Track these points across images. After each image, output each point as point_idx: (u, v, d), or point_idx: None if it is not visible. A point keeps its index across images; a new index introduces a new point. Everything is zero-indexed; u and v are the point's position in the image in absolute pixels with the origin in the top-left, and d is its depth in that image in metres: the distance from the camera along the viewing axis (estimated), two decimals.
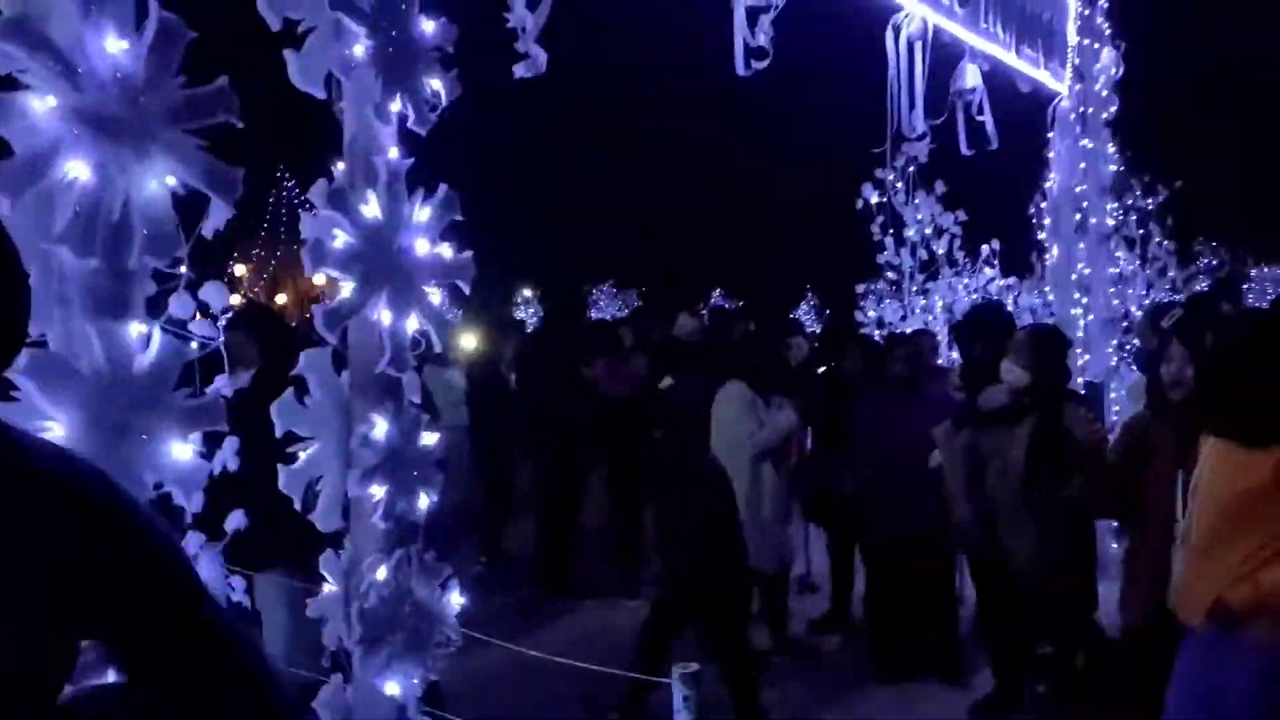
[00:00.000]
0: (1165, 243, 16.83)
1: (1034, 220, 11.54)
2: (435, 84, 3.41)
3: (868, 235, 13.39)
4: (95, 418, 2.17)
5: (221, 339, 2.71)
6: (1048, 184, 10.89)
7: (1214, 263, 21.10)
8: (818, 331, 17.87)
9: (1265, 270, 24.34)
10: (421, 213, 3.33)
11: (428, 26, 3.33)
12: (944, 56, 9.15)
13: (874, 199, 13.29)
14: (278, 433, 3.01)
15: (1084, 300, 10.87)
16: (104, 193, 2.18)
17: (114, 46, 2.22)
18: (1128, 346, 11.62)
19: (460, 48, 3.52)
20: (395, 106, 3.25)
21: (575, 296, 11.98)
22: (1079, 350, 9.81)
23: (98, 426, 2.16)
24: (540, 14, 3.93)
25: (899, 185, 13.23)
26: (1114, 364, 11.15)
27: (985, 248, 12.48)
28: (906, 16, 7.56)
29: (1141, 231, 16.32)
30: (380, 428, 3.18)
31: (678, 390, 8.64)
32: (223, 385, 2.69)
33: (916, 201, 13.29)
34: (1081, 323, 10.78)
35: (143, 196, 2.27)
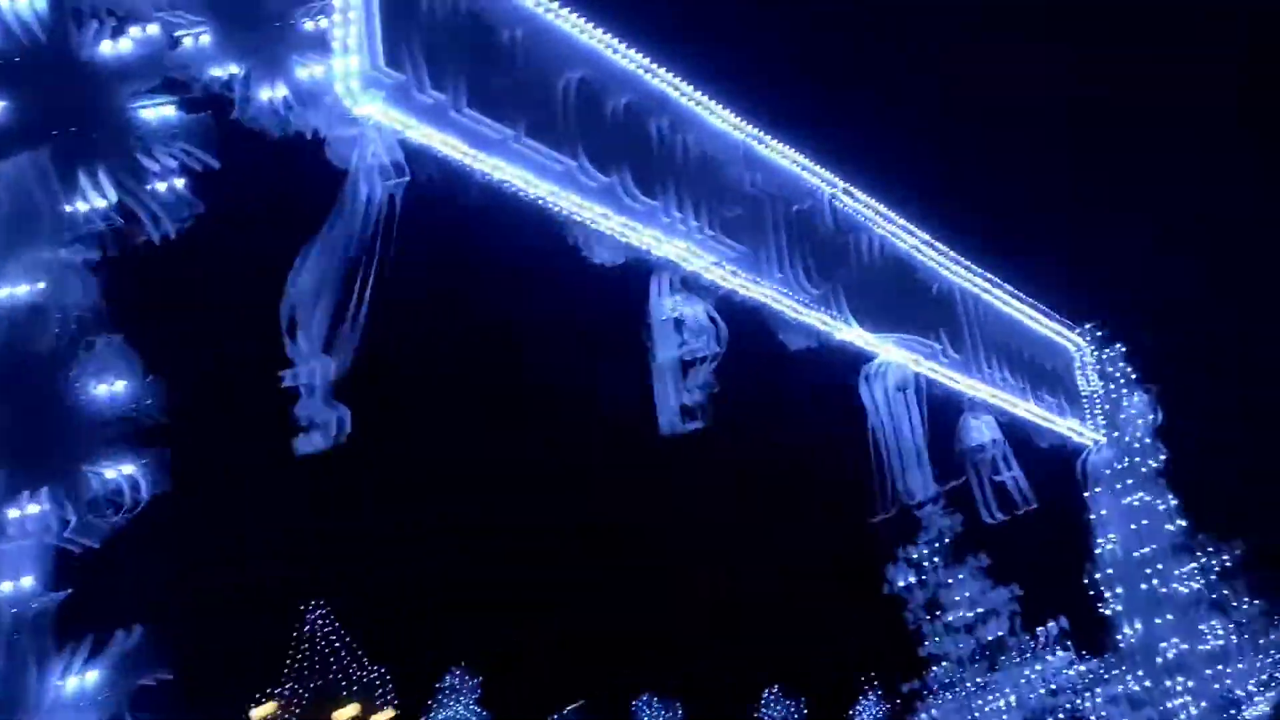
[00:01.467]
0: (1254, 602, 14.59)
1: (1094, 591, 9.71)
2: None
3: (901, 622, 11.50)
4: None
5: None
6: (1099, 549, 9.25)
7: None
8: None
9: None
10: None
11: None
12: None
13: (904, 580, 11.57)
14: None
15: (1187, 683, 8.74)
16: None
17: None
18: None
19: None
20: None
21: None
22: None
23: None
24: (334, 364, 2.76)
25: (935, 560, 11.57)
26: None
27: (1046, 627, 10.50)
28: (885, 365, 6.49)
29: (1226, 592, 14.21)
30: None
31: None
32: None
33: (958, 578, 11.53)
34: (1187, 714, 8.58)
35: None
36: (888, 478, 6.24)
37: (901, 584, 11.83)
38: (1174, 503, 9.89)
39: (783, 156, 6.02)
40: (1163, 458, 10.06)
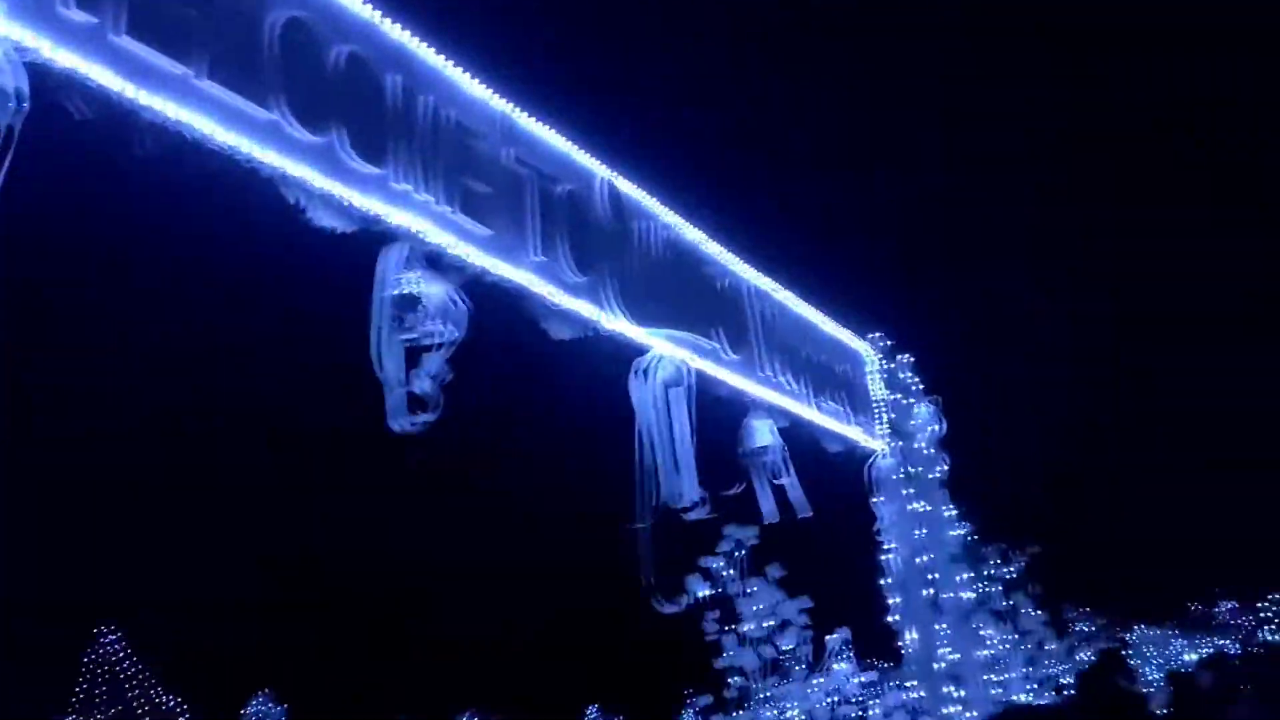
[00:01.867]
0: (1035, 613, 15.23)
1: (880, 599, 9.73)
2: None
3: (700, 635, 11.24)
4: None
5: None
6: (884, 557, 9.26)
7: (1091, 628, 19.57)
8: None
9: (1145, 630, 22.94)
10: None
11: None
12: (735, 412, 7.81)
13: (702, 592, 11.32)
14: None
15: (958, 693, 8.81)
16: None
17: None
18: None
19: None
20: None
21: None
22: None
23: None
24: None
25: (731, 572, 11.38)
26: None
27: (831, 637, 10.46)
28: (657, 359, 6.14)
29: (1009, 603, 14.76)
30: None
31: None
32: None
33: (752, 590, 11.38)
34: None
35: None
36: (651, 480, 5.87)
37: (700, 595, 11.56)
38: (954, 512, 10.03)
39: (552, 134, 5.59)
40: (945, 467, 10.20)
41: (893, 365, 9.95)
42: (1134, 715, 9.60)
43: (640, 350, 6.24)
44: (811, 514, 7.51)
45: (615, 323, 5.83)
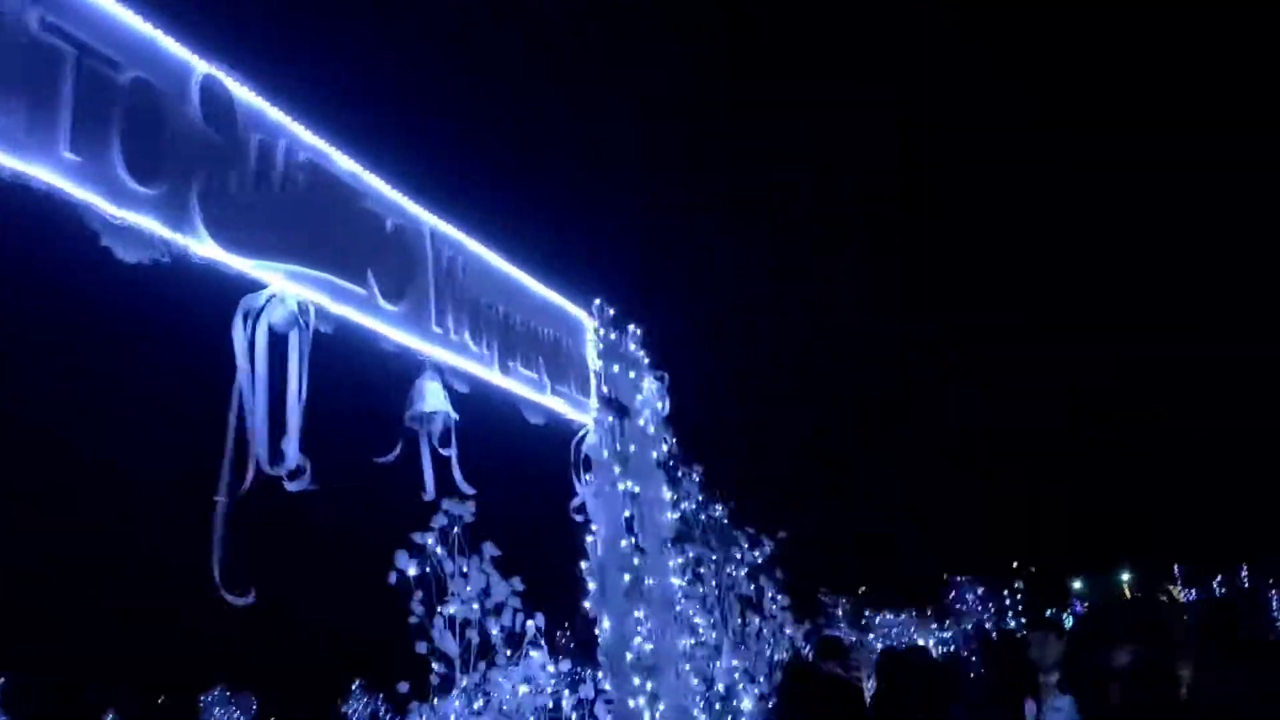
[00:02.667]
0: (779, 596, 15.25)
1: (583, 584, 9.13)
2: None
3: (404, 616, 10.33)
4: None
5: None
6: (590, 541, 8.65)
7: (837, 613, 20.06)
8: None
9: (888, 616, 23.82)
10: None
11: None
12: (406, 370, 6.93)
13: (412, 570, 10.41)
14: None
15: (649, 684, 8.32)
16: None
17: None
18: None
19: None
20: None
21: None
22: None
23: None
24: None
25: (442, 550, 10.52)
26: None
27: (528, 624, 9.78)
28: (269, 299, 5.17)
29: (754, 588, 14.68)
30: None
31: None
32: None
33: (465, 571, 10.56)
34: (653, 712, 8.16)
35: None
36: (252, 442, 4.91)
37: (411, 573, 10.61)
38: (671, 496, 9.57)
39: (116, 6, 4.48)
40: (665, 448, 9.72)
41: (615, 336, 9.35)
42: (849, 701, 9.43)
43: (257, 286, 5.24)
44: (474, 492, 6.75)
45: (206, 248, 4.81)
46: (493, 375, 7.23)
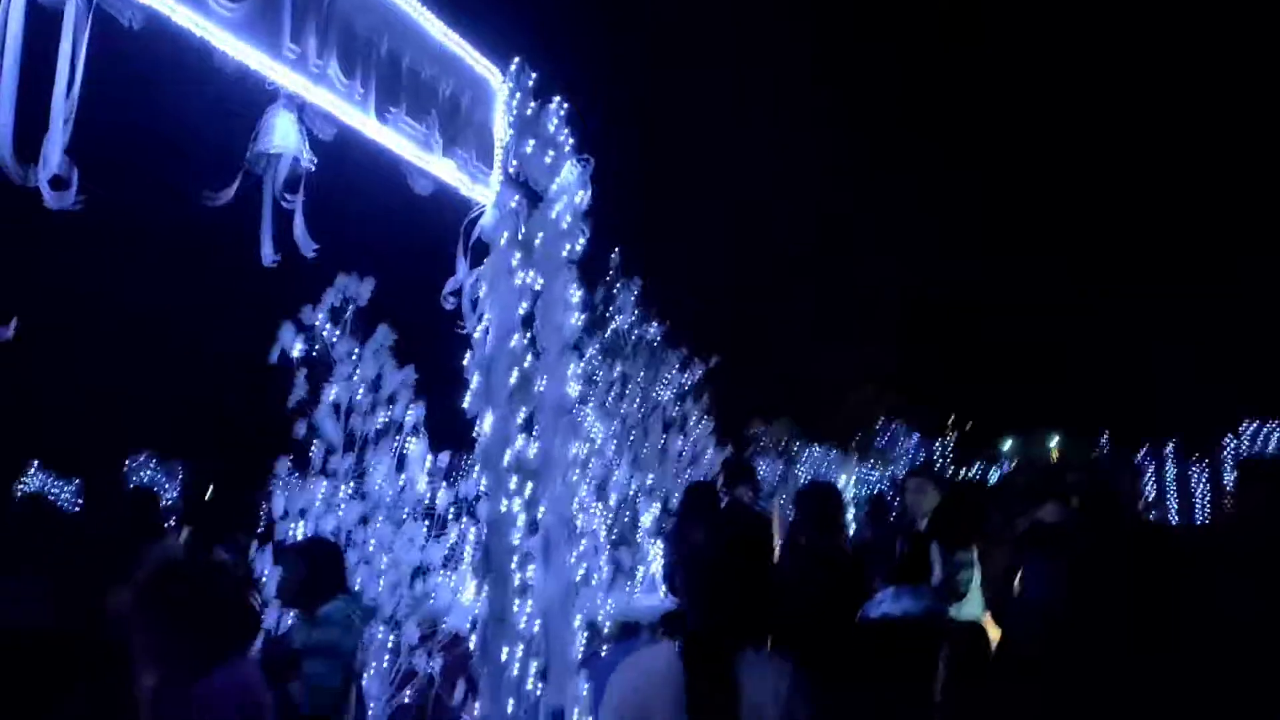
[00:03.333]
0: (703, 421, 14.76)
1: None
2: None
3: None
4: None
5: None
6: (474, 333, 7.77)
7: (762, 441, 19.80)
8: None
9: (817, 450, 23.73)
10: None
11: None
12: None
13: (297, 348, 9.54)
14: None
15: (526, 488, 7.67)
16: None
17: None
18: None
19: None
20: None
21: None
22: None
23: None
24: None
25: (327, 330, 9.65)
26: None
27: (409, 416, 9.07)
28: None
29: (679, 409, 14.14)
30: None
31: None
32: None
33: (356, 354, 9.72)
34: (520, 522, 7.55)
35: None
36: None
37: (295, 353, 9.76)
38: (578, 296, 8.66)
39: None
40: (581, 243, 8.73)
41: (534, 108, 8.17)
42: (750, 525, 8.88)
43: None
44: (316, 249, 5.74)
45: None
46: (367, 122, 6.09)
